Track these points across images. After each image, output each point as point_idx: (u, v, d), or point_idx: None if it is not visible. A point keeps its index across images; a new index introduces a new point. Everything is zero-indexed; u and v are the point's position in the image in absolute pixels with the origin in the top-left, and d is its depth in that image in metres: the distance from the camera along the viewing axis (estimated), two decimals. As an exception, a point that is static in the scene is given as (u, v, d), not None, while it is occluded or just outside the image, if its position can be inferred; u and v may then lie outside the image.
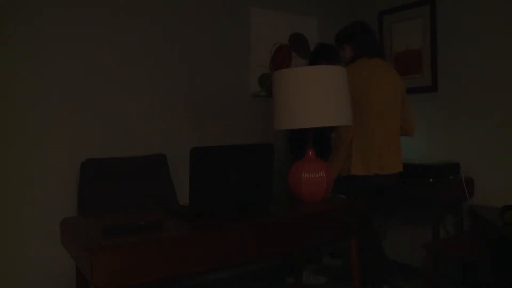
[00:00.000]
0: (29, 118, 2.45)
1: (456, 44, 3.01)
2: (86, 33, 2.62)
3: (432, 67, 3.15)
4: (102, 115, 2.68)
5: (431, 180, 2.75)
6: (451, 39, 3.04)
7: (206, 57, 3.09)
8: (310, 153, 1.91)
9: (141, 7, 2.80)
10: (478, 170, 2.89)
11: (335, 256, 3.40)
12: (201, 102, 3.07)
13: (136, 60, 2.80)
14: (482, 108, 2.87)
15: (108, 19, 2.69)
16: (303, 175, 1.83)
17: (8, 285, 2.39)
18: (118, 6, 2.72)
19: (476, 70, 2.89)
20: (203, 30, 3.07)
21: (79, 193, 2.47)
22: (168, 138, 2.93)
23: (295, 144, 3.11)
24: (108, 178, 2.51)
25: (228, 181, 1.53)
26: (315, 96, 1.77)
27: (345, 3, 3.86)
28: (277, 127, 1.88)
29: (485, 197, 2.85)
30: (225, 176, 1.52)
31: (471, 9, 2.91)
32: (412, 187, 2.83)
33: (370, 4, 3.66)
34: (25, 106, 2.44)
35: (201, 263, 1.36)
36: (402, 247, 3.41)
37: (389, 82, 2.41)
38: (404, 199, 2.92)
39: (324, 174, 1.84)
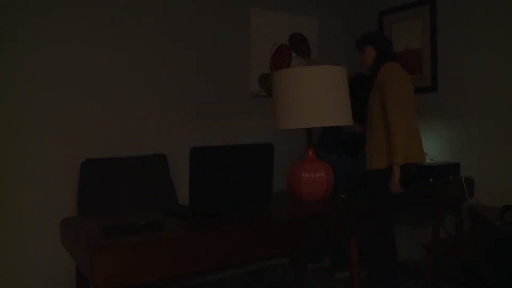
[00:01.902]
0: (29, 118, 2.45)
1: (456, 44, 3.01)
2: (86, 33, 2.62)
3: (432, 67, 3.15)
4: (102, 115, 2.68)
5: (431, 180, 2.75)
6: (451, 39, 3.04)
7: (206, 57, 3.09)
8: (310, 153, 1.91)
9: (141, 7, 2.80)
10: (478, 170, 2.89)
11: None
12: (201, 102, 3.07)
13: (136, 60, 2.80)
14: (482, 108, 2.86)
15: (108, 19, 2.69)
16: (303, 175, 1.83)
17: (8, 285, 2.39)
18: (118, 6, 2.72)
19: (476, 70, 2.89)
20: (203, 30, 3.07)
21: (79, 193, 2.47)
22: (168, 138, 2.93)
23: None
24: (108, 178, 2.51)
25: (228, 181, 1.53)
26: (315, 96, 1.78)
27: (345, 3, 3.86)
28: (277, 127, 1.88)
29: (485, 197, 2.85)
30: (225, 176, 1.52)
31: (471, 9, 2.91)
32: (412, 187, 2.83)
33: (370, 4, 3.66)
34: (25, 106, 2.44)
35: (201, 263, 1.36)
36: (402, 247, 3.41)
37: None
38: (404, 199, 2.92)
39: (324, 174, 1.84)
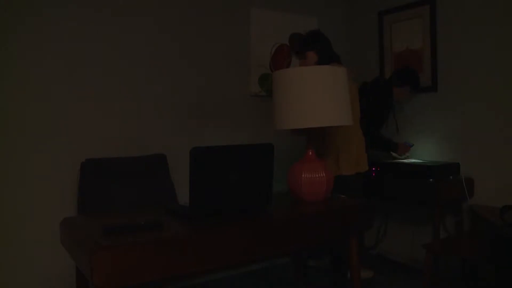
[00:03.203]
0: (29, 118, 2.45)
1: (456, 44, 3.01)
2: (87, 33, 2.62)
3: (432, 67, 3.15)
4: (102, 115, 2.68)
5: (431, 180, 2.75)
6: (451, 39, 3.04)
7: (206, 57, 3.09)
8: (310, 153, 1.91)
9: (141, 7, 2.81)
10: (478, 170, 2.89)
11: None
12: (201, 102, 3.07)
13: (136, 60, 2.80)
14: (482, 108, 2.87)
15: (109, 19, 2.69)
16: (303, 175, 1.83)
17: (8, 285, 2.39)
18: (118, 6, 2.72)
19: (476, 70, 2.89)
20: (203, 30, 3.07)
21: (79, 193, 2.47)
22: (168, 138, 2.93)
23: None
24: (108, 178, 2.51)
25: (228, 181, 1.53)
26: (315, 96, 1.78)
27: (345, 3, 3.86)
28: (277, 127, 1.88)
29: (485, 197, 2.85)
30: (225, 176, 1.52)
31: (471, 9, 2.91)
32: (412, 187, 2.84)
33: (370, 4, 3.66)
34: (25, 106, 2.44)
35: (201, 263, 1.36)
36: (402, 247, 3.41)
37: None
38: (404, 199, 2.92)
39: (324, 174, 1.84)
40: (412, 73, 3.06)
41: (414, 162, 2.95)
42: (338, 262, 2.99)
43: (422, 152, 3.25)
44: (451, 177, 2.86)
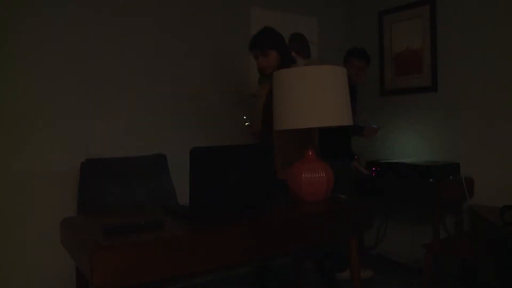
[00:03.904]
0: (29, 118, 2.45)
1: (456, 44, 3.01)
2: (87, 33, 2.62)
3: (432, 67, 3.15)
4: (102, 115, 2.68)
5: (431, 180, 2.75)
6: (451, 39, 3.04)
7: (206, 57, 3.09)
8: (310, 153, 1.91)
9: (141, 7, 2.81)
10: (478, 170, 2.89)
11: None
12: (201, 102, 3.07)
13: (135, 60, 2.80)
14: (482, 108, 2.87)
15: (109, 19, 2.69)
16: (303, 175, 1.83)
17: (8, 285, 2.39)
18: (118, 6, 2.72)
19: (476, 70, 2.89)
20: (203, 30, 3.07)
21: (79, 193, 2.47)
22: (168, 138, 2.93)
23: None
24: (108, 178, 2.51)
25: (228, 181, 1.52)
26: (315, 96, 1.77)
27: (345, 3, 3.86)
28: (277, 127, 1.88)
29: (485, 197, 2.85)
30: (225, 176, 1.52)
31: (471, 9, 2.91)
32: (412, 187, 2.84)
33: (370, 4, 3.66)
34: (25, 106, 2.44)
35: (201, 263, 1.36)
36: (402, 247, 3.41)
37: None
38: (404, 199, 2.92)
39: (324, 174, 1.83)
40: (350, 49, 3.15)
41: (414, 162, 2.95)
42: (321, 262, 2.99)
43: (422, 152, 3.25)
44: (451, 177, 2.86)
